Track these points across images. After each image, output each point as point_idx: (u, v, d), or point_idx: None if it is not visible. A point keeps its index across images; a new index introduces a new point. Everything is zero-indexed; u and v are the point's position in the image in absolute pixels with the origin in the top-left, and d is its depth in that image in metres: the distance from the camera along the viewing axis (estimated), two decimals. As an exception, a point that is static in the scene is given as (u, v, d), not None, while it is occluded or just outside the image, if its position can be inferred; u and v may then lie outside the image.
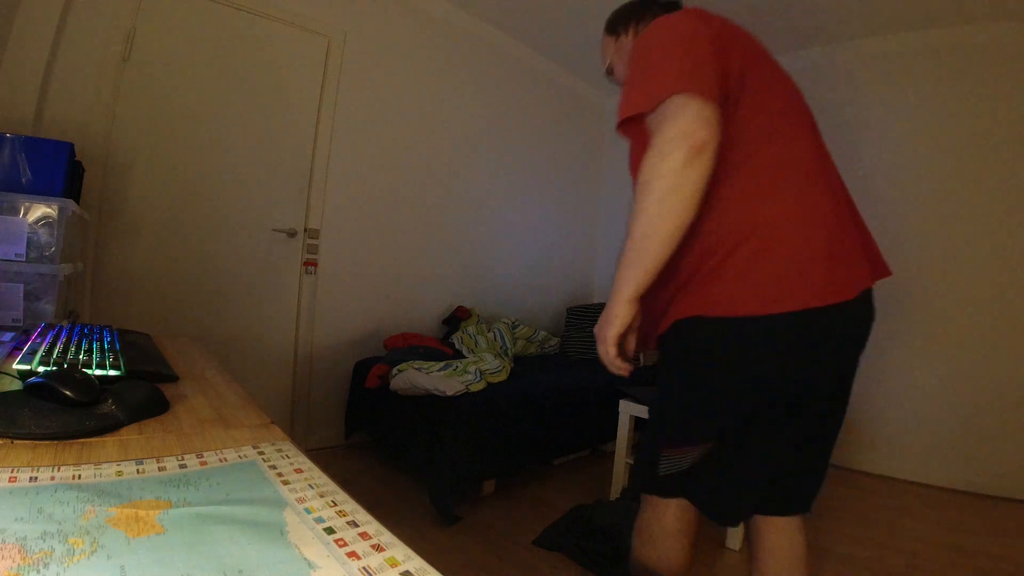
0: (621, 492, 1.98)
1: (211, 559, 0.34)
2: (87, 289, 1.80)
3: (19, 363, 0.67)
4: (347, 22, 2.41)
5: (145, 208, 1.93)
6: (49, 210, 1.15)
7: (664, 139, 0.74)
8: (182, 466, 0.50)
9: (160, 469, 0.48)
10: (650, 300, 0.86)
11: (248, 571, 0.33)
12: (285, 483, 0.48)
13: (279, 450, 0.57)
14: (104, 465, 0.48)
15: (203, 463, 0.51)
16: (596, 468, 2.42)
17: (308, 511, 0.43)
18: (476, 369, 2.07)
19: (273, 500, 0.44)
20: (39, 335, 0.87)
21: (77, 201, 1.37)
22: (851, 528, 1.96)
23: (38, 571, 0.30)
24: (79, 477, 0.44)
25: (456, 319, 2.84)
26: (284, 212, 2.28)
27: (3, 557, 0.31)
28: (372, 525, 0.42)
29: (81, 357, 0.74)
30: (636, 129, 0.83)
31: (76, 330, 0.93)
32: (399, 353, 2.26)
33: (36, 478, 0.43)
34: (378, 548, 0.38)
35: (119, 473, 0.46)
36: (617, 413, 2.01)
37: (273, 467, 0.52)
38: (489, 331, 2.75)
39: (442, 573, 0.36)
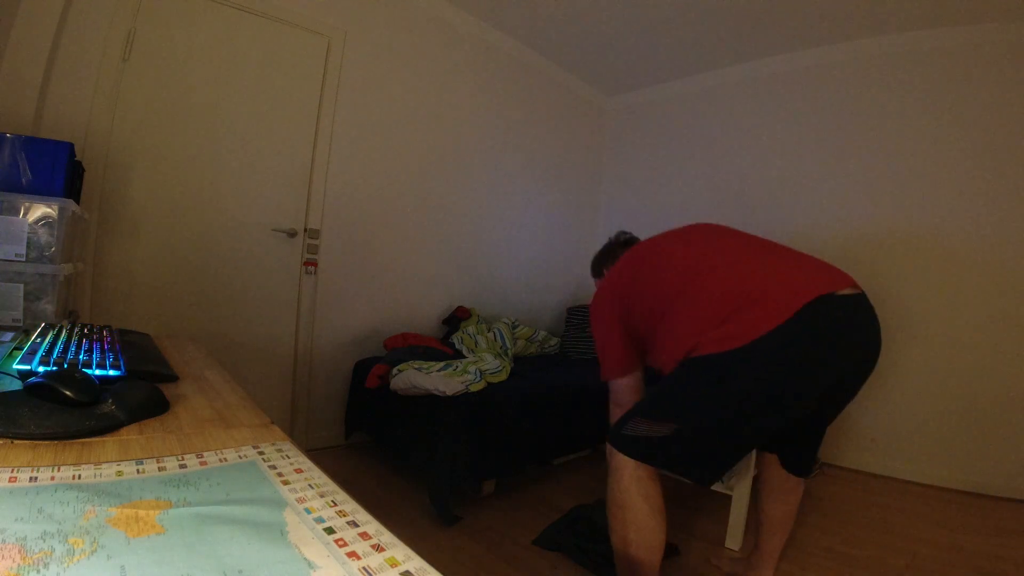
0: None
1: (211, 559, 0.34)
2: (87, 289, 1.80)
3: (19, 363, 0.67)
4: (347, 22, 2.41)
5: (145, 208, 1.93)
6: (49, 210, 1.15)
7: (612, 407, 1.39)
8: (182, 466, 0.50)
9: (160, 469, 0.48)
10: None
11: (248, 571, 0.33)
12: (285, 483, 0.48)
13: (279, 450, 0.57)
14: (104, 465, 0.48)
15: (203, 463, 0.51)
16: (596, 468, 2.42)
17: (308, 511, 0.43)
18: (476, 369, 2.07)
19: (273, 500, 0.44)
20: (39, 335, 0.87)
21: (77, 201, 1.37)
22: (851, 528, 1.96)
23: (38, 571, 0.30)
24: (79, 477, 0.44)
25: (456, 319, 2.84)
26: (284, 212, 2.28)
27: (3, 557, 0.31)
28: (372, 525, 0.42)
29: (81, 357, 0.74)
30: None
31: (76, 330, 0.93)
32: (399, 353, 2.26)
33: (36, 478, 0.43)
34: (378, 548, 0.38)
35: (119, 473, 0.46)
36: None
37: (273, 467, 0.52)
38: (489, 331, 2.75)
39: (442, 573, 0.36)
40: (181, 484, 0.45)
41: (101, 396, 0.61)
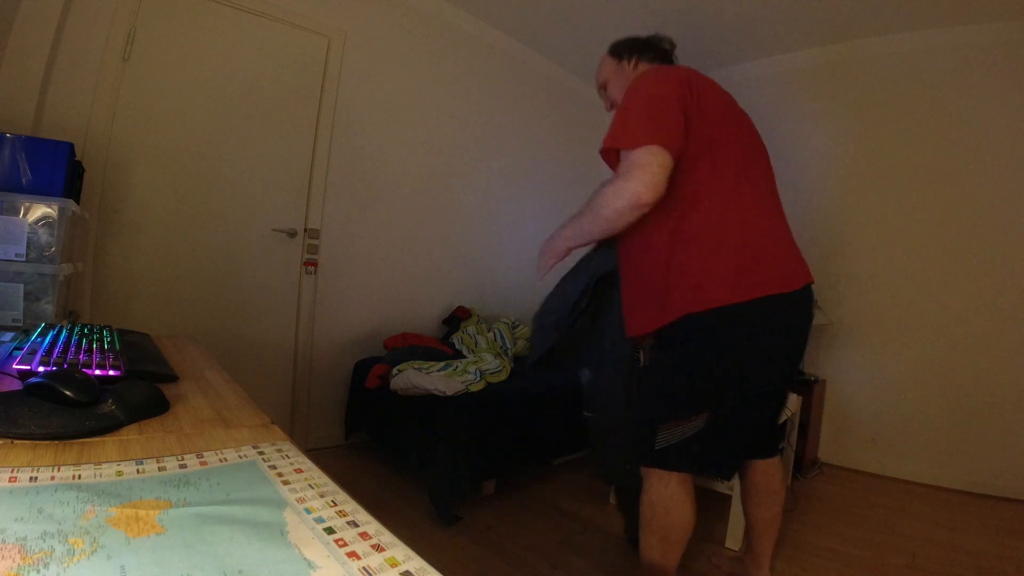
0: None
1: (211, 559, 0.34)
2: (87, 289, 1.80)
3: (19, 363, 0.67)
4: (347, 22, 2.41)
5: (145, 208, 1.93)
6: (49, 210, 1.15)
7: (624, 186, 1.04)
8: (182, 466, 0.50)
9: (160, 469, 0.48)
10: (643, 295, 1.18)
11: (248, 571, 0.33)
12: (285, 483, 0.48)
13: (279, 450, 0.57)
14: (104, 465, 0.48)
15: (203, 463, 0.51)
16: (596, 468, 2.42)
17: (308, 511, 0.43)
18: (476, 369, 2.07)
19: (273, 500, 0.44)
20: (39, 335, 0.87)
21: (77, 201, 1.37)
22: (851, 528, 1.96)
23: (38, 571, 0.30)
24: (79, 477, 0.44)
25: (456, 319, 2.84)
26: (284, 212, 2.28)
27: (3, 557, 0.31)
28: (372, 525, 0.42)
29: (81, 357, 0.74)
30: (613, 159, 1.13)
31: (76, 330, 0.93)
32: (399, 353, 2.26)
33: (36, 478, 0.43)
34: (378, 548, 0.38)
35: (119, 473, 0.46)
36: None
37: (273, 467, 0.52)
38: (489, 331, 2.75)
39: (442, 573, 0.36)
40: (181, 484, 0.45)
41: (101, 396, 0.61)
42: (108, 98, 1.80)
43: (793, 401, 2.28)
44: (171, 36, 1.93)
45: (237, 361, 2.14)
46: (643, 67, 1.35)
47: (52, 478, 0.43)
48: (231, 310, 2.15)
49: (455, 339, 2.69)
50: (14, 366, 0.67)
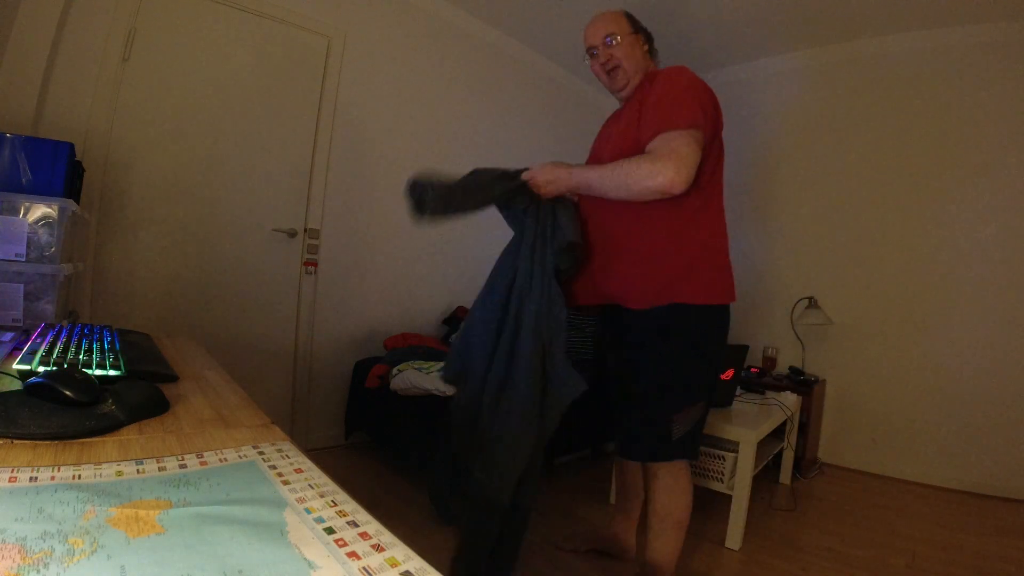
0: None
1: (211, 559, 0.34)
2: (87, 289, 1.80)
3: (19, 363, 0.67)
4: (347, 22, 2.41)
5: (145, 208, 1.93)
6: (49, 210, 1.15)
7: (662, 171, 1.07)
8: (182, 466, 0.50)
9: (160, 469, 0.48)
10: (640, 269, 1.22)
11: (248, 571, 0.33)
12: (285, 483, 0.48)
13: (279, 450, 0.57)
14: (104, 465, 0.48)
15: (203, 463, 0.51)
16: (596, 468, 2.42)
17: (308, 511, 0.43)
18: (476, 369, 2.07)
19: (273, 500, 0.44)
20: (39, 335, 0.87)
21: (77, 201, 1.37)
22: (851, 528, 1.96)
23: (38, 571, 0.30)
24: (79, 477, 0.44)
25: (456, 319, 2.84)
26: (284, 212, 2.28)
27: (3, 557, 0.31)
28: (372, 525, 0.42)
29: (81, 357, 0.74)
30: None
31: (76, 330, 0.93)
32: (399, 353, 2.25)
33: (36, 478, 0.43)
34: (378, 548, 0.38)
35: (119, 473, 0.46)
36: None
37: (273, 467, 0.52)
38: (489, 331, 2.75)
39: (442, 573, 0.36)
40: (181, 484, 0.45)
41: (101, 396, 0.61)
42: (108, 98, 1.80)
43: (793, 401, 2.29)
44: (171, 36, 1.93)
45: (237, 361, 2.14)
46: (649, 62, 1.35)
47: (52, 478, 0.43)
48: (231, 310, 2.15)
49: (455, 339, 2.69)
50: (14, 366, 0.67)
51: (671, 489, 1.25)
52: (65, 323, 1.00)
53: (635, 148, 1.16)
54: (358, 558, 0.36)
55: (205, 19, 2.00)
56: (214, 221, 2.09)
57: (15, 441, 0.50)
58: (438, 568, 0.36)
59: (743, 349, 2.08)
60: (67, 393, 0.58)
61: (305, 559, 0.35)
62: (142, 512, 0.39)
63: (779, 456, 2.35)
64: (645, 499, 1.57)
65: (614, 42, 1.28)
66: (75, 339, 0.85)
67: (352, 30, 2.42)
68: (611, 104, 1.49)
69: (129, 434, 0.57)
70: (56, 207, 1.15)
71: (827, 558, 1.70)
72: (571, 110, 3.63)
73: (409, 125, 2.69)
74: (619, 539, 1.62)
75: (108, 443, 0.53)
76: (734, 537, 1.72)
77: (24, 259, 1.12)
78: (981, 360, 2.45)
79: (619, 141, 1.25)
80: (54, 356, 0.71)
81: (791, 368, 2.83)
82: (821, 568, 1.64)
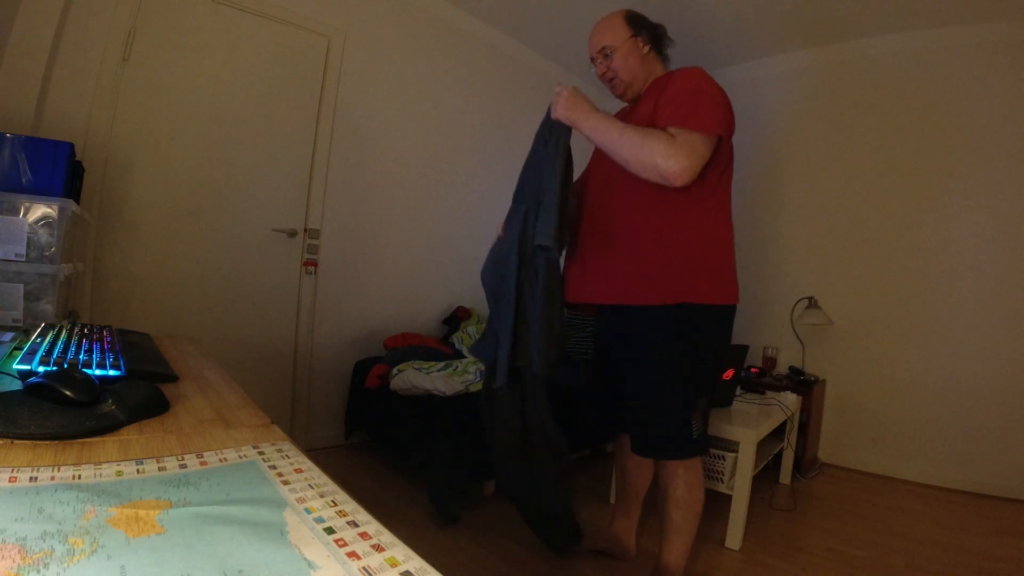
0: None
1: (211, 559, 0.34)
2: (87, 289, 1.80)
3: (19, 363, 0.67)
4: (347, 22, 2.41)
5: (145, 208, 1.93)
6: (49, 210, 1.15)
7: (675, 157, 1.08)
8: (182, 466, 0.50)
9: (160, 469, 0.48)
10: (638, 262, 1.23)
11: (248, 571, 0.33)
12: (285, 483, 0.48)
13: (279, 450, 0.57)
14: (104, 465, 0.48)
15: (203, 463, 0.51)
16: (596, 468, 2.42)
17: (308, 511, 0.43)
18: (476, 369, 2.07)
19: (273, 500, 0.44)
20: (39, 335, 0.87)
21: (77, 201, 1.37)
22: (851, 528, 1.96)
23: (38, 571, 0.30)
24: (79, 477, 0.44)
25: (456, 319, 2.84)
26: (284, 212, 2.28)
27: (3, 557, 0.31)
28: (372, 525, 0.42)
29: (81, 357, 0.74)
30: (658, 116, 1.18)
31: (76, 330, 0.92)
32: (399, 353, 2.26)
33: (36, 478, 0.43)
34: (378, 548, 0.38)
35: (119, 473, 0.46)
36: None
37: (273, 467, 0.52)
38: (489, 331, 2.75)
39: (442, 573, 0.36)
40: (181, 484, 0.45)
41: (101, 396, 0.61)
42: (108, 98, 1.80)
43: (793, 401, 2.29)
44: (171, 36, 1.93)
45: (237, 361, 2.14)
46: (655, 60, 1.33)
47: (52, 478, 0.43)
48: (231, 310, 2.15)
49: (455, 339, 2.69)
50: (14, 366, 0.67)
51: (692, 484, 1.30)
52: (65, 323, 1.00)
53: None
54: (358, 558, 0.36)
55: (205, 19, 2.01)
56: (214, 221, 2.09)
57: (15, 441, 0.50)
58: (438, 568, 0.36)
59: (743, 349, 2.08)
60: (67, 393, 0.58)
61: (305, 559, 0.35)
62: (142, 512, 0.39)
63: (779, 456, 2.35)
64: (644, 499, 1.59)
65: (609, 54, 1.31)
66: (75, 339, 0.85)
67: (352, 30, 2.42)
68: (613, 104, 1.49)
69: (129, 434, 0.57)
70: (56, 207, 1.15)
71: (827, 558, 1.70)
72: (571, 110, 3.63)
73: (409, 125, 2.69)
74: (619, 539, 1.62)
75: (108, 443, 0.53)
76: (734, 537, 1.72)
77: (24, 259, 1.12)
78: (981, 360, 2.45)
79: None
80: (54, 356, 0.71)
81: (791, 368, 2.83)
82: (821, 568, 1.64)
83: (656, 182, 1.12)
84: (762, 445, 1.89)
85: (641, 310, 1.24)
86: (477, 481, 1.95)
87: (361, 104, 2.48)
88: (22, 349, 0.77)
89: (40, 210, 1.14)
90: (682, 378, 1.23)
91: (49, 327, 0.94)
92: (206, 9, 2.00)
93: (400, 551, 0.38)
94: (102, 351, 0.80)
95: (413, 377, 1.97)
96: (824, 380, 2.80)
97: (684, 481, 1.30)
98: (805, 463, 2.52)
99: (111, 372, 0.71)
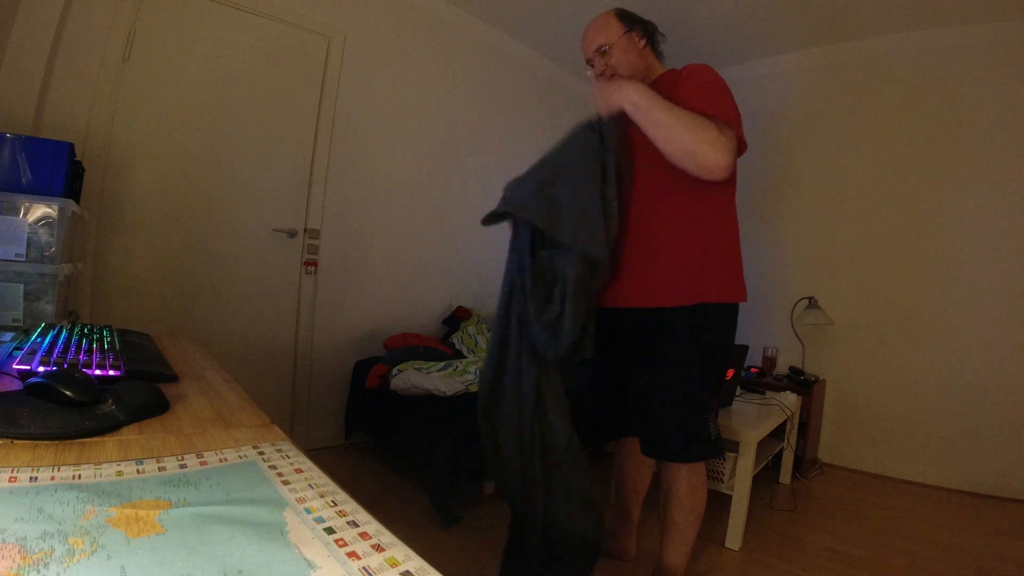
0: None
1: (211, 559, 0.34)
2: (87, 289, 1.80)
3: (19, 363, 0.67)
4: (347, 22, 2.41)
5: (145, 208, 1.93)
6: (49, 210, 1.15)
7: (723, 148, 1.06)
8: (182, 466, 0.50)
9: (160, 469, 0.48)
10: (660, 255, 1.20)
11: (248, 571, 0.33)
12: (285, 483, 0.48)
13: (279, 450, 0.57)
14: (104, 465, 0.48)
15: (203, 463, 0.51)
16: (596, 468, 2.41)
17: (308, 511, 0.43)
18: (476, 369, 2.07)
19: (273, 500, 0.44)
20: (39, 335, 0.87)
21: (77, 201, 1.37)
22: (851, 528, 1.96)
23: (38, 571, 0.30)
24: (79, 477, 0.44)
25: (456, 319, 2.84)
26: (284, 212, 2.28)
27: (3, 557, 0.31)
28: (372, 525, 0.42)
29: (81, 357, 0.74)
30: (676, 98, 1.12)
31: (76, 330, 0.93)
32: (399, 353, 2.25)
33: (36, 478, 0.43)
34: (378, 548, 0.38)
35: (119, 473, 0.46)
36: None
37: (273, 467, 0.52)
38: (489, 331, 2.75)
39: (442, 573, 0.36)
40: (181, 484, 0.45)
41: (101, 396, 0.61)
42: (108, 98, 1.80)
43: (793, 401, 2.29)
44: (171, 36, 1.93)
45: (237, 361, 2.14)
46: (651, 55, 1.33)
47: (52, 478, 0.43)
48: (231, 310, 2.15)
49: (455, 339, 2.69)
50: (14, 366, 0.67)
51: (696, 486, 1.29)
52: (65, 323, 1.00)
53: None
54: (358, 558, 0.36)
55: (205, 19, 2.00)
56: (214, 221, 2.09)
57: (15, 441, 0.50)
58: (438, 568, 0.36)
59: (743, 349, 2.08)
60: (67, 393, 0.58)
61: (305, 559, 0.35)
62: (142, 512, 0.39)
63: (779, 456, 2.35)
64: (643, 499, 1.60)
65: (607, 51, 1.29)
66: (75, 339, 0.85)
67: (352, 30, 2.42)
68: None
69: (129, 434, 0.57)
70: (56, 207, 1.15)
71: (827, 558, 1.71)
72: (572, 111, 3.63)
73: (409, 125, 2.69)
74: (619, 539, 1.62)
75: (108, 443, 0.53)
76: (734, 537, 1.72)
77: (24, 259, 1.12)
78: (981, 360, 2.45)
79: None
80: (54, 356, 0.71)
81: (791, 368, 2.83)
82: (821, 568, 1.64)
83: (691, 173, 1.07)
84: (762, 445, 1.89)
85: (659, 312, 1.20)
86: (477, 481, 1.95)
87: (361, 104, 2.48)
88: (22, 349, 0.77)
89: (40, 210, 1.14)
90: (699, 379, 1.21)
91: (49, 327, 0.95)
92: (206, 9, 2.00)
93: (400, 551, 0.38)
94: (102, 351, 0.80)
95: (413, 377, 1.97)
96: (824, 380, 2.80)
97: (688, 483, 1.29)
98: (805, 463, 2.52)
99: (111, 372, 0.71)
